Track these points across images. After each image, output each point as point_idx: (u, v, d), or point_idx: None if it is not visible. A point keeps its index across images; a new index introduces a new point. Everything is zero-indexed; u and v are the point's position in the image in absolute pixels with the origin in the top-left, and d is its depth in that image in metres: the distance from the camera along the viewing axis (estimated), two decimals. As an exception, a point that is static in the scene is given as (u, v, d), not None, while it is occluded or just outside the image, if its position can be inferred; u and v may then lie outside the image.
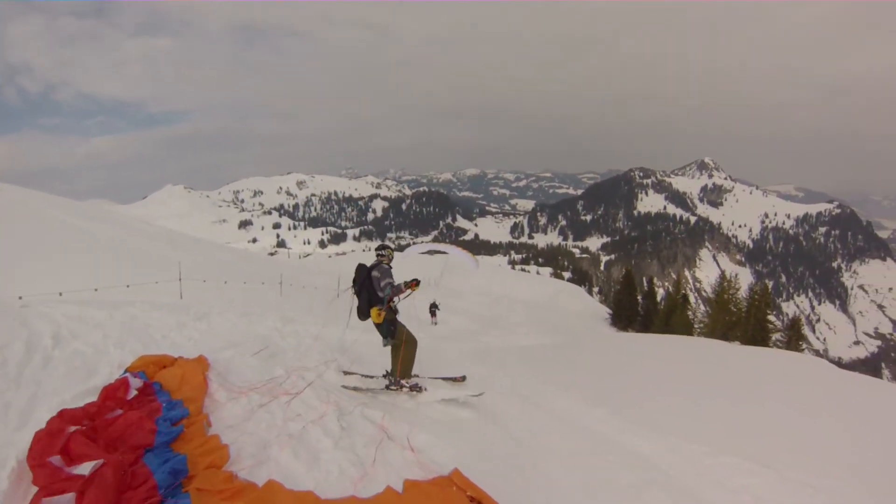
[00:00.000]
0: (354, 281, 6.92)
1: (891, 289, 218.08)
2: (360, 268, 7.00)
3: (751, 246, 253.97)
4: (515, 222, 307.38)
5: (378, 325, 6.82)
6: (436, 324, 20.57)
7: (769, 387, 8.22)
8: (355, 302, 6.87)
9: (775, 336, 31.80)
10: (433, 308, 21.58)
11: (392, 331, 6.90)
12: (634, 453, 4.96)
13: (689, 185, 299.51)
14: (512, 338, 14.46)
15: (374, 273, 6.78)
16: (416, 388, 6.49)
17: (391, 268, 7.05)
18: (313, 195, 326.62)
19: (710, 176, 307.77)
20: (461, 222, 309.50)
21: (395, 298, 6.85)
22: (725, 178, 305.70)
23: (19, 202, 25.84)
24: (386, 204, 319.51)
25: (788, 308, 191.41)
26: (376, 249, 7.34)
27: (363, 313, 6.90)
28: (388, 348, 7.08)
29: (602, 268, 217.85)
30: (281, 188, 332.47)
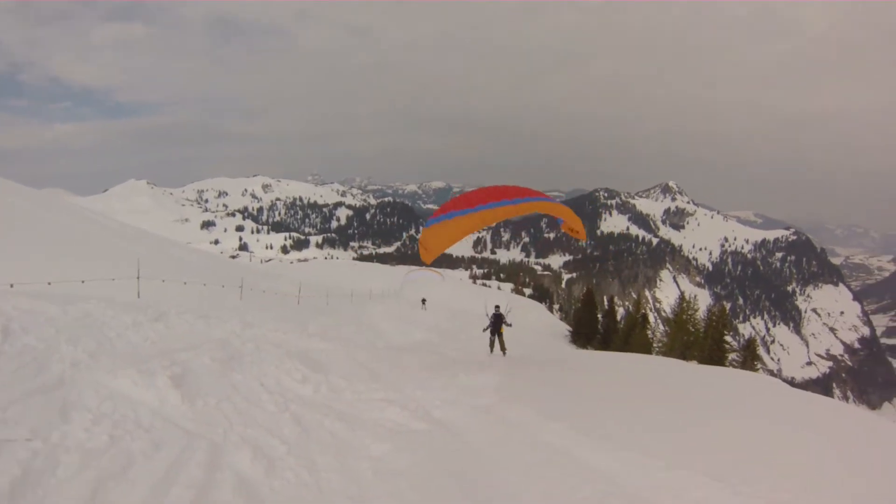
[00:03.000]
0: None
1: (842, 312, 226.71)
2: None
3: (710, 268, 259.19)
4: (478, 237, 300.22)
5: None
6: (425, 309, 24.90)
7: (724, 404, 8.47)
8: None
9: (731, 356, 32.33)
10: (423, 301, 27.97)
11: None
12: (591, 467, 5.01)
13: (652, 207, 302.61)
14: (470, 351, 14.51)
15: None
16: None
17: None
18: (278, 199, 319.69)
19: (674, 199, 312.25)
20: None
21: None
22: (688, 202, 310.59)
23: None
24: (350, 212, 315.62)
25: (745, 329, 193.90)
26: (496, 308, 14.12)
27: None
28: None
29: (563, 285, 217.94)
30: (246, 190, 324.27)
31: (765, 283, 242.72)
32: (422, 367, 9.71)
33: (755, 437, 6.29)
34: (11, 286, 11.02)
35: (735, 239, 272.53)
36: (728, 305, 69.39)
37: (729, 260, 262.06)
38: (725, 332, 32.86)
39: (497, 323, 13.88)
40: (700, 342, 32.47)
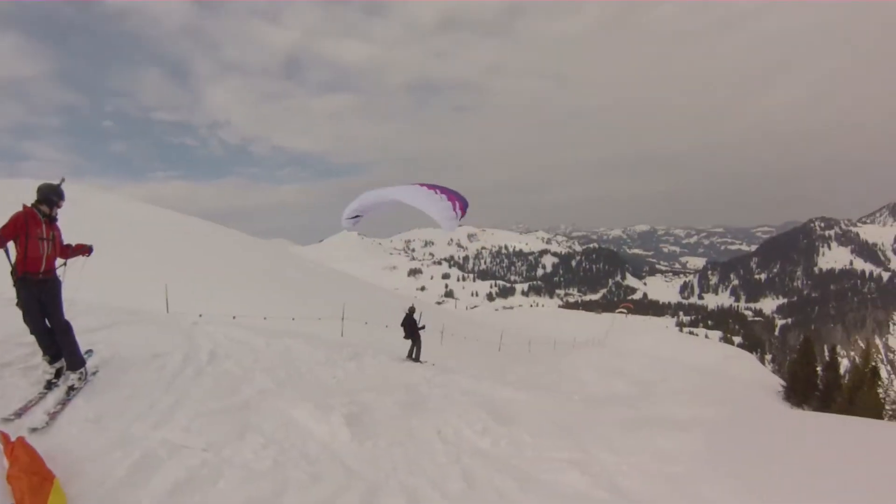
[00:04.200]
0: None
1: None
2: None
3: None
4: (685, 281, 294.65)
5: None
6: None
7: None
8: None
9: None
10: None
11: None
12: None
13: (880, 234, 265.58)
14: (671, 407, 12.97)
15: None
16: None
17: None
18: (484, 248, 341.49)
19: None
20: (630, 280, 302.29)
21: None
22: None
23: (212, 236, 31.06)
24: (556, 260, 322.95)
25: None
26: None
27: None
28: None
29: (777, 333, 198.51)
30: (452, 240, 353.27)
31: None
32: (616, 423, 8.91)
33: None
34: (234, 318, 13.46)
35: None
36: None
37: None
38: None
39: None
40: None
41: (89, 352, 5.77)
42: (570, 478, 5.76)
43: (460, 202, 8.13)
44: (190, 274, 19.26)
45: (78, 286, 5.47)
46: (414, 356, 14.04)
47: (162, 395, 5.34)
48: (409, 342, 14.47)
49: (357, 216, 9.98)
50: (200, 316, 10.39)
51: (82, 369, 5.10)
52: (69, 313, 5.21)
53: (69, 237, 5.39)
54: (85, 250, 5.58)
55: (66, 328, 5.00)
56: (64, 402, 4.63)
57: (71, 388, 4.86)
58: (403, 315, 14.57)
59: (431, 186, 8.33)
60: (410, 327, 14.35)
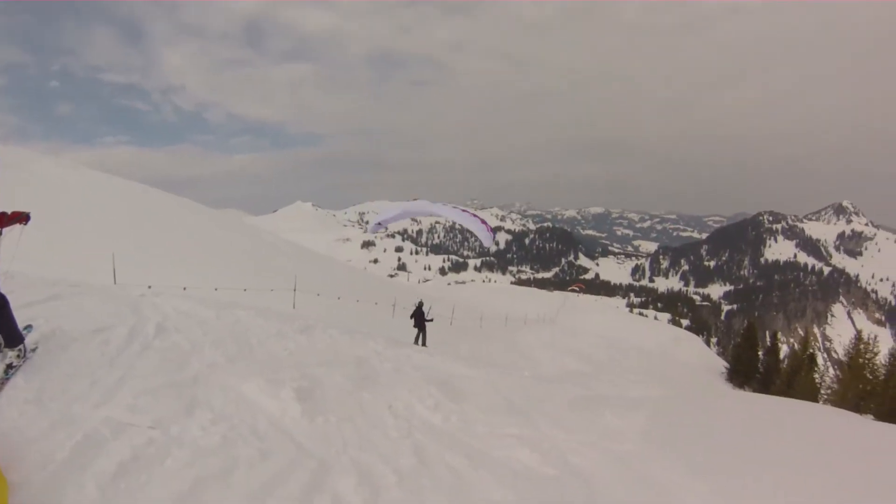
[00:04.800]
0: None
1: None
2: None
3: (893, 303, 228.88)
4: (637, 264, 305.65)
5: None
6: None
7: None
8: None
9: None
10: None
11: None
12: None
13: (823, 231, 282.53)
14: (621, 385, 13.50)
15: None
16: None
17: None
18: (437, 222, 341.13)
19: (849, 221, 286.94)
20: (583, 261, 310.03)
21: None
22: (866, 224, 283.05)
23: (162, 205, 29.87)
24: (509, 237, 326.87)
25: None
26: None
27: None
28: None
29: (723, 317, 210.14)
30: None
31: None
32: (567, 401, 9.16)
33: None
34: (184, 289, 13.08)
35: None
36: None
37: None
38: None
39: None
40: (879, 393, 29.89)
41: (28, 327, 5.46)
42: (521, 454, 5.88)
43: (487, 224, 10.07)
44: (139, 244, 18.53)
45: (14, 257, 5.13)
46: (421, 343, 15.57)
47: (106, 372, 5.12)
48: (416, 331, 16.17)
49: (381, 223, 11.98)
50: (149, 287, 10.04)
51: (21, 346, 4.81)
52: (6, 287, 4.93)
53: (7, 205, 5.03)
54: (22, 218, 5.17)
55: (3, 302, 4.70)
56: (2, 382, 4.39)
57: (9, 367, 4.59)
58: (413, 308, 16.32)
59: (464, 210, 10.33)
60: (419, 318, 15.96)
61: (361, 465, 4.81)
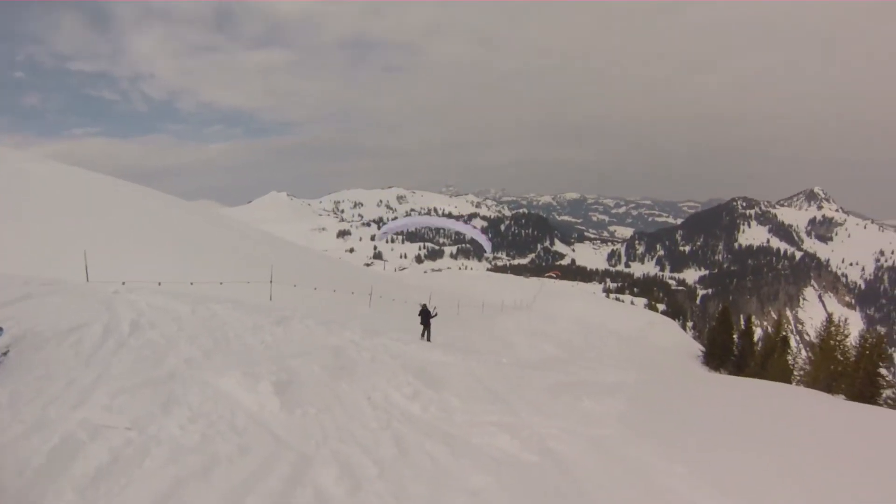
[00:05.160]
0: None
1: None
2: None
3: (862, 286, 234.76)
4: (613, 250, 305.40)
5: None
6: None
7: (882, 460, 7.00)
8: None
9: (886, 392, 28.87)
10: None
11: None
12: None
13: (795, 216, 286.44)
14: (598, 370, 13.70)
15: None
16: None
17: None
18: (413, 210, 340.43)
19: (820, 207, 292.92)
20: (559, 247, 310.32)
21: None
22: (837, 210, 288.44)
23: (135, 198, 29.12)
24: (485, 223, 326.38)
25: None
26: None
27: None
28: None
29: (698, 302, 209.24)
30: (381, 201, 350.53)
31: None
32: (545, 387, 9.26)
33: None
34: (159, 284, 12.82)
35: (893, 252, 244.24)
36: (883, 331, 60.70)
37: (885, 277, 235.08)
38: (881, 364, 29.74)
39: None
40: (850, 374, 30.11)
41: (-1, 330, 5.32)
42: (501, 442, 5.92)
43: (486, 234, 12.20)
44: (111, 239, 18.05)
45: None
46: (426, 338, 16.51)
47: (81, 372, 5.01)
48: (421, 327, 17.19)
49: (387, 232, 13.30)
50: (123, 284, 9.82)
51: (-9, 350, 4.70)
52: (-27, 287, 4.78)
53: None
54: None
55: None
56: (-27, 387, 4.26)
57: (-21, 371, 4.48)
58: (420, 307, 17.71)
59: (466, 223, 11.96)
60: (425, 316, 17.23)
61: (342, 457, 4.80)
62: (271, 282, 18.16)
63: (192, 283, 14.62)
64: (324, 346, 9.44)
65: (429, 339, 16.51)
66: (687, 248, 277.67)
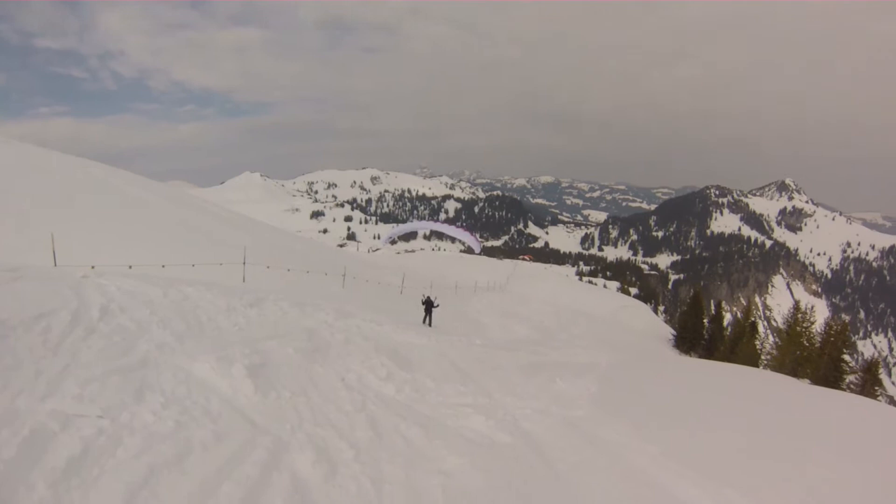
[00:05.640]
0: None
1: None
2: None
3: (829, 276, 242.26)
4: (586, 233, 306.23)
5: None
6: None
7: (843, 442, 7.29)
8: None
9: (849, 378, 30.10)
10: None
11: None
12: None
13: (766, 206, 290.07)
14: (571, 352, 13.88)
15: None
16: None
17: None
18: (387, 191, 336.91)
19: (791, 198, 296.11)
20: (532, 229, 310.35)
21: None
22: (806, 202, 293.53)
23: (103, 179, 28.07)
24: (459, 205, 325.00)
25: (865, 347, 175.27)
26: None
27: None
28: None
29: (670, 286, 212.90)
30: (355, 182, 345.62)
31: (891, 296, 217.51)
32: (518, 368, 9.35)
33: (883, 495, 5.44)
34: (130, 267, 12.45)
35: (859, 244, 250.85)
36: (847, 319, 62.75)
37: (851, 268, 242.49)
38: (844, 350, 30.95)
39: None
40: (815, 359, 31.11)
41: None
42: (475, 423, 5.95)
43: (475, 235, 13.10)
44: (80, 222, 17.37)
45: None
46: (428, 323, 17.63)
47: (49, 361, 4.80)
48: (424, 314, 18.32)
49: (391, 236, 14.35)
50: (93, 268, 9.48)
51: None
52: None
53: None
54: None
55: None
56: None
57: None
58: (424, 297, 18.72)
59: (459, 226, 12.96)
60: (427, 304, 18.31)
61: (317, 441, 4.77)
62: (244, 263, 17.83)
63: (163, 266, 14.23)
64: (297, 328, 9.33)
65: (430, 325, 17.67)
66: (660, 234, 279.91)
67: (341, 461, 4.47)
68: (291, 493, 3.78)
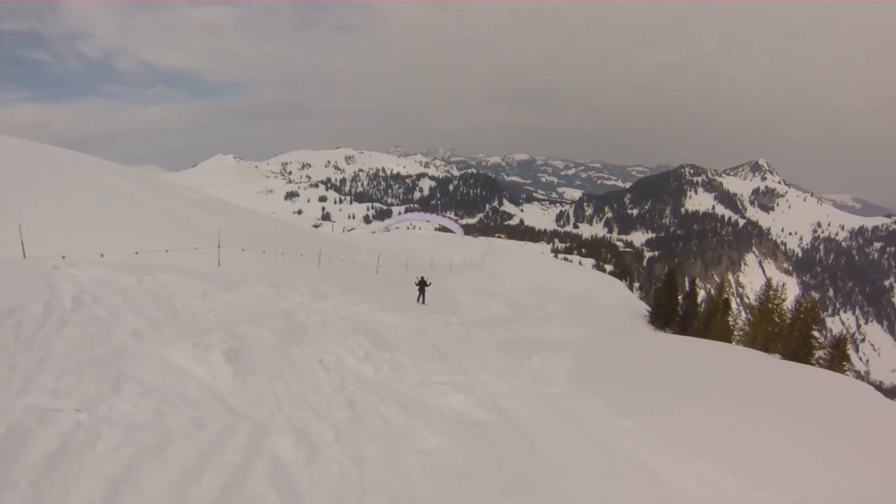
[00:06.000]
0: None
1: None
2: None
3: (800, 255, 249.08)
4: (561, 211, 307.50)
5: None
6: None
7: (817, 415, 7.58)
8: None
9: (818, 353, 30.73)
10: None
11: None
12: (662, 479, 4.59)
13: (740, 186, 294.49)
14: (547, 329, 14.04)
15: None
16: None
17: None
18: (361, 171, 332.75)
19: (763, 178, 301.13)
20: (507, 207, 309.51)
21: None
22: (779, 182, 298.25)
23: (72, 166, 27.07)
24: (433, 184, 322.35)
25: (833, 324, 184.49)
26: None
27: None
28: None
29: (645, 263, 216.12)
30: (329, 162, 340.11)
31: (859, 275, 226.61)
32: (494, 346, 9.44)
33: (849, 463, 5.62)
34: (102, 256, 12.11)
35: (829, 224, 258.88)
36: (817, 297, 65.00)
37: (821, 247, 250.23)
38: (814, 327, 31.57)
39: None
40: (785, 335, 31.58)
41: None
42: (454, 401, 6.00)
43: (457, 222, 13.73)
44: (49, 211, 16.74)
45: None
46: (422, 302, 19.24)
47: (23, 356, 4.66)
48: (418, 293, 20.04)
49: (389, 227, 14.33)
50: (63, 258, 9.19)
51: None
52: None
53: None
54: None
55: None
56: None
57: None
58: (419, 279, 20.58)
59: (447, 216, 13.30)
60: (422, 285, 20.02)
61: (297, 423, 4.78)
62: (219, 247, 17.53)
63: (136, 253, 13.88)
64: (274, 311, 9.27)
65: (424, 303, 19.17)
66: (635, 212, 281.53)
67: (322, 443, 4.49)
68: (274, 476, 3.79)
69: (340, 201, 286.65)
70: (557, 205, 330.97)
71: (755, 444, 5.69)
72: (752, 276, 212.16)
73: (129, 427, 3.98)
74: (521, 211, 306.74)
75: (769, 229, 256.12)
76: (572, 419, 5.87)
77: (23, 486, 3.05)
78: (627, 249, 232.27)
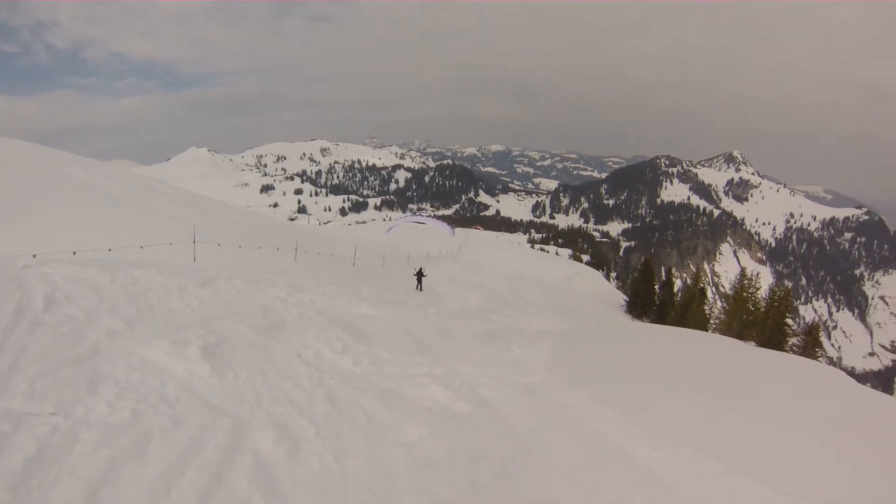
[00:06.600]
0: None
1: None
2: None
3: (773, 245, 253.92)
4: (538, 201, 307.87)
5: None
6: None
7: (790, 400, 7.78)
8: None
9: (792, 340, 31.35)
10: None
11: None
12: (643, 468, 4.67)
13: (715, 177, 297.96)
14: (524, 319, 14.11)
15: None
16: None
17: None
18: (336, 163, 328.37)
19: (738, 170, 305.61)
20: (483, 197, 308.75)
21: None
22: (753, 174, 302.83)
23: (41, 162, 26.08)
24: (409, 175, 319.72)
25: (806, 312, 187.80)
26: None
27: None
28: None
29: (621, 253, 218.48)
30: (304, 154, 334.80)
31: (831, 264, 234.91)
32: (473, 337, 9.44)
33: (824, 447, 5.77)
34: (74, 253, 11.70)
35: (801, 215, 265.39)
36: (790, 285, 66.94)
37: (794, 237, 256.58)
38: (787, 315, 32.00)
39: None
40: (760, 323, 31.95)
41: None
42: (433, 392, 5.97)
43: (448, 224, 14.67)
44: (18, 209, 16.12)
45: None
46: (420, 289, 20.60)
47: (-6, 359, 4.47)
48: (416, 283, 21.29)
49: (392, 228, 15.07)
50: (35, 257, 8.84)
51: None
52: None
53: None
54: None
55: None
56: None
57: None
58: (416, 269, 21.84)
59: (442, 220, 13.64)
60: (419, 274, 21.36)
61: (278, 419, 4.71)
62: (195, 242, 17.13)
63: (110, 250, 13.47)
64: (251, 306, 9.10)
65: (421, 290, 20.70)
66: (611, 202, 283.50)
67: (303, 438, 4.44)
68: (255, 473, 3.73)
69: (316, 194, 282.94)
70: (534, 195, 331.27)
71: (734, 431, 5.81)
72: (727, 265, 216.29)
73: (107, 428, 3.85)
74: (498, 202, 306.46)
75: (743, 220, 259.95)
76: (553, 409, 5.90)
77: (2, 493, 2.92)
78: (604, 240, 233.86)
